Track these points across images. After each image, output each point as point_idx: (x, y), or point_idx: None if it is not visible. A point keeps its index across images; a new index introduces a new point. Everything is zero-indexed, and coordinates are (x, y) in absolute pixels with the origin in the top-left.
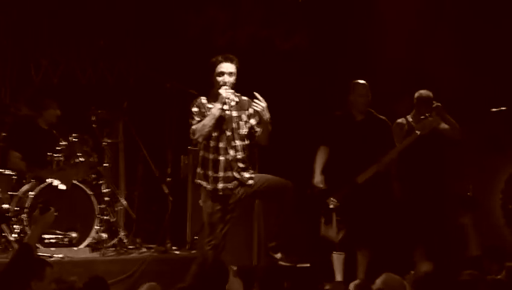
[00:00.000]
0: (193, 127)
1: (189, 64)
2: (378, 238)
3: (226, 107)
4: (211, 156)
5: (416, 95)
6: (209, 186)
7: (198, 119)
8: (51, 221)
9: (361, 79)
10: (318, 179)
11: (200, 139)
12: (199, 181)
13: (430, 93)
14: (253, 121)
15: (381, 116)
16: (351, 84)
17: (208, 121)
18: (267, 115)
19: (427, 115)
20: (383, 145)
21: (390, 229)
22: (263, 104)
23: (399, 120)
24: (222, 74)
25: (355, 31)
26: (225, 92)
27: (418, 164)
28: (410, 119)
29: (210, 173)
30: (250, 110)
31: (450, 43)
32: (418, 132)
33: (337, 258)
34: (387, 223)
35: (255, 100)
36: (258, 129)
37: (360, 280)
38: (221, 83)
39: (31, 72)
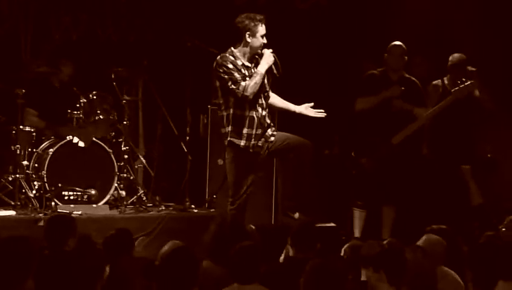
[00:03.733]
0: (243, 83)
1: (210, 22)
2: (406, 196)
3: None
4: (247, 113)
5: (450, 58)
6: (242, 144)
7: (239, 76)
8: None
9: (380, 41)
10: (394, 88)
11: (251, 97)
12: (232, 139)
13: (463, 56)
14: (266, 81)
15: (413, 78)
16: (388, 47)
17: (258, 79)
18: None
19: (463, 80)
20: (416, 105)
21: (418, 188)
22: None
23: (435, 82)
24: (264, 36)
25: None
26: (273, 54)
27: (448, 127)
28: (446, 82)
29: (245, 130)
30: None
31: (473, 7)
32: (454, 96)
33: (359, 215)
34: (416, 182)
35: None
36: (269, 90)
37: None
38: (263, 44)
39: (51, 29)
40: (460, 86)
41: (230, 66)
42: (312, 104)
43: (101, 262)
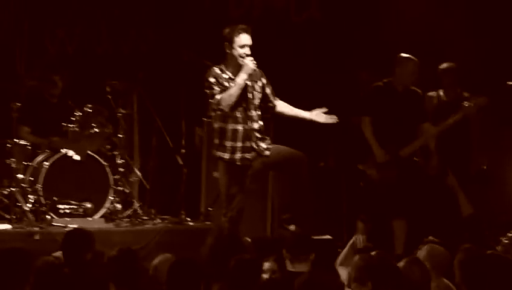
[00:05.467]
0: (217, 96)
1: (204, 35)
2: (416, 209)
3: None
4: (229, 127)
5: (440, 67)
6: (227, 157)
7: (218, 89)
8: None
9: (374, 51)
10: (381, 153)
11: (226, 109)
12: (217, 152)
13: (452, 64)
14: (268, 90)
15: (418, 90)
16: (400, 58)
17: (234, 91)
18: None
19: (475, 96)
20: (419, 117)
21: (426, 201)
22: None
23: (429, 93)
24: (244, 46)
25: (368, 5)
26: (252, 63)
27: (452, 140)
28: (442, 94)
29: (229, 143)
30: (263, 80)
31: (465, 15)
32: (464, 112)
33: (363, 228)
34: (423, 196)
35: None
36: (272, 99)
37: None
38: (243, 55)
39: (45, 42)
40: (471, 102)
41: (212, 79)
42: (325, 109)
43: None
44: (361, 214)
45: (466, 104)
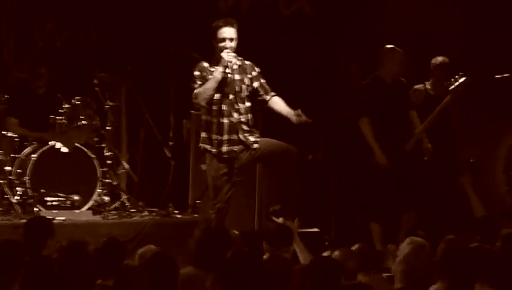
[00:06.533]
0: (195, 91)
1: (193, 28)
2: (424, 203)
3: (228, 70)
4: (215, 120)
5: (432, 61)
6: (214, 150)
7: (200, 83)
8: None
9: (364, 43)
10: (382, 156)
11: (202, 103)
12: (203, 145)
13: (446, 59)
14: (256, 84)
15: (404, 80)
16: (385, 50)
17: (210, 84)
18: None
19: (456, 77)
20: (408, 106)
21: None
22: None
23: (416, 86)
24: (224, 39)
25: None
26: (227, 55)
27: (435, 134)
28: (429, 87)
29: (214, 136)
30: (253, 73)
31: (456, 10)
32: (453, 95)
33: (377, 228)
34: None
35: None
36: (262, 94)
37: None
38: (223, 48)
39: (34, 35)
40: (456, 84)
41: (197, 73)
42: (299, 111)
43: (93, 272)
44: (375, 213)
45: (451, 86)
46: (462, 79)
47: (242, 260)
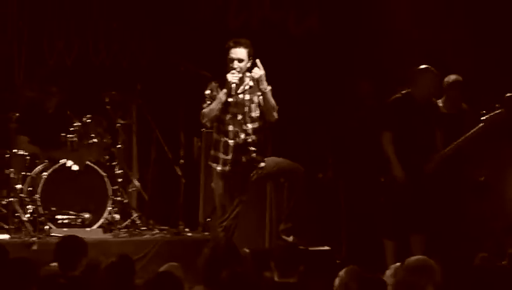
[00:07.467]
0: (202, 111)
1: (203, 46)
2: (436, 224)
3: (232, 92)
4: (223, 139)
5: (446, 79)
6: (219, 168)
7: (209, 102)
8: None
9: (374, 61)
10: (400, 169)
11: (208, 124)
12: (210, 163)
13: (459, 78)
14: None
15: (435, 100)
16: (419, 69)
17: (215, 105)
18: (264, 84)
19: (497, 106)
20: (435, 129)
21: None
22: (261, 72)
23: None
24: (232, 60)
25: (367, 16)
26: (231, 76)
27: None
28: (441, 104)
29: (221, 155)
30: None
31: (464, 26)
32: (486, 124)
33: (390, 246)
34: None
35: (255, 68)
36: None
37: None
38: (230, 69)
39: (44, 53)
40: (491, 114)
41: (207, 92)
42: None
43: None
44: (387, 231)
45: (486, 116)
46: (498, 111)
47: (236, 280)
